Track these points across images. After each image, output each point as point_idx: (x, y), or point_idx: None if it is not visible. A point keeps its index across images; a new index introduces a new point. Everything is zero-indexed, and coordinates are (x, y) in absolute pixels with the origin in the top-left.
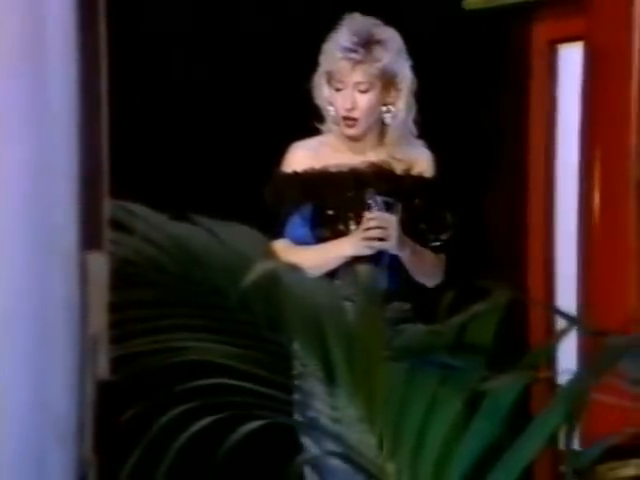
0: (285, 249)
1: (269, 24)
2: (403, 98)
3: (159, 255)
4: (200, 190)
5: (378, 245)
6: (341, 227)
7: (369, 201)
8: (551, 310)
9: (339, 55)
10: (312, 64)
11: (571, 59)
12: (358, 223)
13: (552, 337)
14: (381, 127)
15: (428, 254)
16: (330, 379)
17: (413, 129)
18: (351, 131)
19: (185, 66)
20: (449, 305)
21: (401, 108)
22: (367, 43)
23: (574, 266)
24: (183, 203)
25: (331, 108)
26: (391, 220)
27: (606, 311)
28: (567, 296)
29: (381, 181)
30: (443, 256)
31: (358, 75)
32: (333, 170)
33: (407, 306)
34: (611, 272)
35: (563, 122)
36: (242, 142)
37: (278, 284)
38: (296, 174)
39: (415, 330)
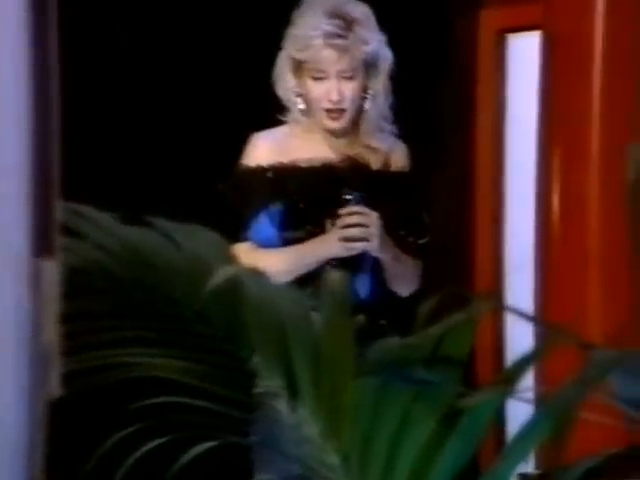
0: (249, 253)
1: (224, 8)
2: (383, 81)
3: (110, 262)
4: (154, 189)
5: (359, 246)
6: (315, 228)
7: (346, 198)
8: (533, 321)
9: (320, 42)
10: (271, 49)
11: (523, 49)
12: (334, 224)
13: (532, 351)
14: (357, 114)
15: (408, 260)
16: (293, 395)
17: (388, 116)
18: (335, 124)
19: (138, 56)
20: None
21: (379, 92)
22: (349, 24)
23: (527, 272)
24: (136, 203)
25: (299, 99)
26: (373, 217)
27: (565, 314)
28: (518, 303)
29: (357, 177)
30: (420, 262)
31: (343, 63)
32: (304, 165)
33: (383, 319)
34: (571, 278)
35: (515, 118)
36: (197, 134)
37: (239, 292)
38: (262, 169)
39: (387, 342)
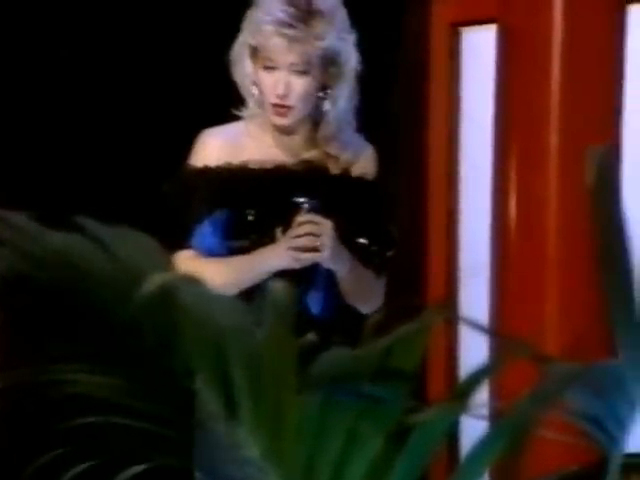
0: (192, 262)
1: None
2: (345, 81)
3: (32, 269)
4: (85, 189)
5: (309, 257)
6: (263, 237)
7: (299, 204)
8: (488, 333)
9: (270, 29)
10: (229, 32)
11: (478, 44)
12: (285, 229)
13: (486, 364)
14: (316, 116)
15: (368, 274)
16: (232, 413)
17: (353, 120)
18: (282, 121)
19: (68, 38)
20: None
21: (342, 94)
22: (306, 15)
23: (482, 280)
24: (64, 205)
25: (254, 88)
26: (326, 225)
27: (521, 324)
28: (473, 313)
29: (313, 182)
30: (384, 278)
31: (294, 55)
32: (255, 167)
33: (338, 336)
34: (528, 286)
35: (470, 117)
36: (136, 127)
37: (174, 301)
38: (208, 170)
39: (333, 356)
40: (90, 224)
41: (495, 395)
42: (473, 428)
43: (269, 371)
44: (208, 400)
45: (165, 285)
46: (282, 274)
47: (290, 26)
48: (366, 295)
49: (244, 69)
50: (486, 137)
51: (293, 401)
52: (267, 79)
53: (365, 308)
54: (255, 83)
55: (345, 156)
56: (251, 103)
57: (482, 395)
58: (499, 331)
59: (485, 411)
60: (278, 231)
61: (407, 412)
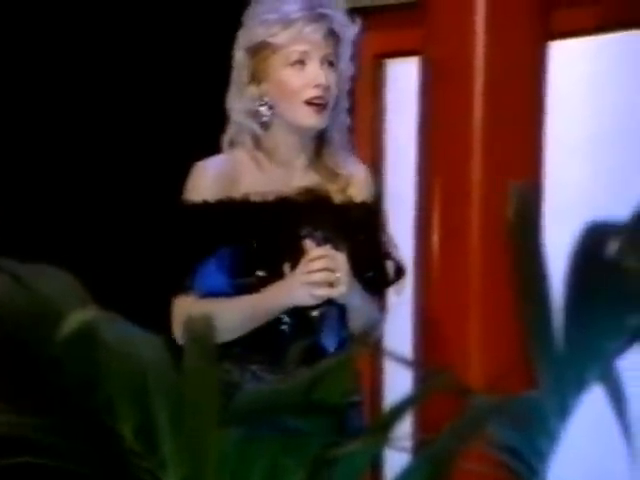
0: (194, 307)
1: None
2: (346, 90)
3: None
4: (72, 241)
5: (326, 293)
6: (271, 273)
7: (307, 238)
8: (411, 365)
9: (299, 16)
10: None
11: (403, 76)
12: (293, 266)
13: (409, 396)
14: (322, 130)
15: (374, 305)
16: (153, 447)
17: (347, 132)
18: (319, 120)
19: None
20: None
21: (344, 98)
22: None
23: (406, 310)
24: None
25: (264, 109)
26: (341, 259)
27: (445, 356)
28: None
29: (318, 212)
30: (385, 312)
31: (328, 44)
32: (257, 199)
33: None
34: (452, 318)
35: (394, 148)
36: (122, 160)
37: (95, 338)
38: (208, 205)
39: (255, 389)
40: (8, 263)
41: (418, 427)
42: (397, 460)
43: (190, 405)
44: (129, 436)
45: (85, 322)
46: (295, 312)
47: (320, 6)
48: (371, 328)
49: (248, 96)
50: (410, 169)
51: (215, 435)
52: (296, 77)
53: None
54: (262, 103)
55: (345, 176)
56: (249, 132)
57: (405, 427)
58: (422, 363)
59: (408, 443)
60: (286, 266)
61: (330, 445)
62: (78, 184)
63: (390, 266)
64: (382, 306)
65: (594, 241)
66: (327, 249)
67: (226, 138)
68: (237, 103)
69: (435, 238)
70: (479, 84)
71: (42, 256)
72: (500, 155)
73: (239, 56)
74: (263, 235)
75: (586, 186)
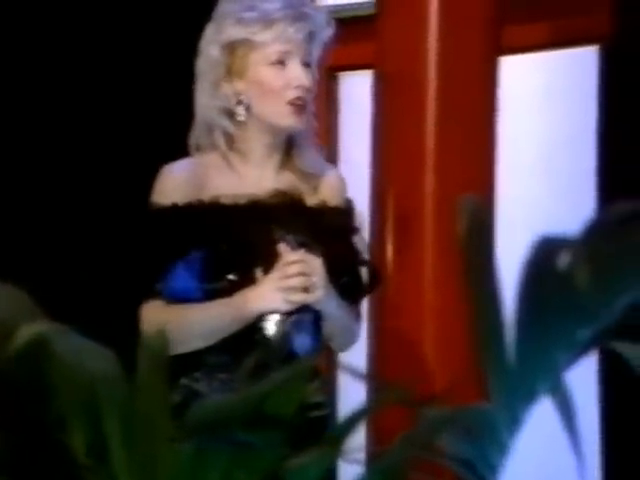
0: (163, 312)
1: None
2: (314, 89)
3: None
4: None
5: (301, 298)
6: (242, 278)
7: (280, 243)
8: (364, 378)
9: (281, 15)
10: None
11: (356, 89)
12: (265, 271)
13: (361, 409)
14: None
15: (350, 313)
16: (104, 462)
17: (315, 132)
18: (298, 120)
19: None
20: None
21: (312, 104)
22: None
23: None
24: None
25: (240, 108)
26: (316, 264)
27: (399, 369)
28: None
29: (291, 215)
30: (360, 319)
31: (307, 43)
32: (227, 202)
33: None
34: (406, 331)
35: (347, 162)
36: (90, 163)
37: (45, 352)
38: (178, 208)
39: (207, 403)
40: None
41: (372, 439)
42: (350, 472)
43: (142, 419)
44: (80, 450)
45: (36, 336)
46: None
47: (302, 14)
48: (346, 334)
49: (222, 93)
50: (364, 182)
51: (166, 450)
52: (277, 76)
53: (343, 348)
54: (241, 101)
55: (316, 176)
56: (221, 131)
57: (358, 439)
58: (376, 376)
59: (361, 455)
60: (258, 271)
61: (282, 458)
62: (46, 187)
63: (365, 272)
64: (357, 314)
65: (545, 254)
66: (302, 253)
67: (194, 138)
68: (210, 101)
69: (389, 251)
70: (431, 98)
71: (6, 264)
72: (453, 168)
73: (214, 53)
74: (234, 238)
75: (539, 199)
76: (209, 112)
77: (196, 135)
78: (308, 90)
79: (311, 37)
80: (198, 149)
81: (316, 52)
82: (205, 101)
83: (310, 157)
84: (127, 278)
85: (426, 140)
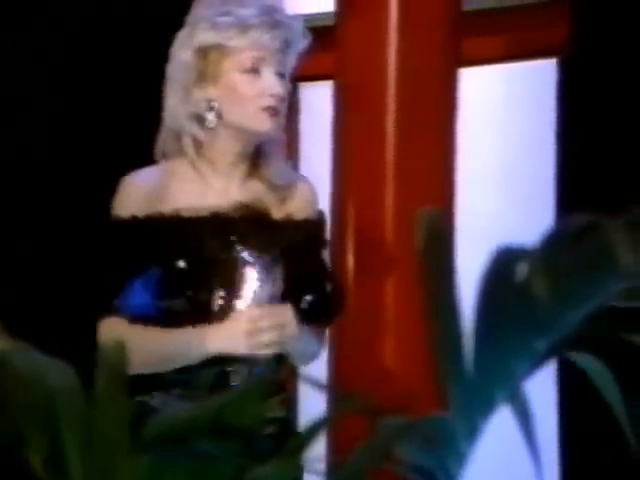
0: (122, 330)
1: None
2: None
3: None
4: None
5: (269, 350)
6: (200, 297)
7: (246, 266)
8: (323, 388)
9: (256, 22)
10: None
11: (316, 100)
12: (227, 289)
13: (320, 419)
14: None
15: (313, 333)
16: (61, 478)
17: (284, 142)
18: (272, 125)
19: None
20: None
21: (283, 116)
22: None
23: None
24: None
25: (211, 115)
26: (289, 314)
27: (358, 379)
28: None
29: (254, 230)
30: (324, 339)
31: (282, 53)
32: (188, 215)
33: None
34: (365, 342)
35: (308, 172)
36: (51, 173)
37: (3, 367)
38: (136, 221)
39: (166, 415)
40: None
41: (331, 449)
42: None
43: (100, 434)
44: (38, 465)
45: None
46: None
47: (278, 22)
48: (309, 357)
49: (193, 97)
50: (324, 192)
51: (125, 462)
52: (250, 84)
53: (304, 365)
54: (212, 107)
55: (283, 187)
56: (189, 139)
57: (318, 449)
58: (335, 386)
59: (321, 466)
60: (217, 291)
61: (242, 470)
62: (4, 197)
63: (330, 289)
64: (322, 334)
65: (503, 265)
66: (276, 306)
67: (160, 144)
68: (180, 106)
69: (349, 264)
70: (391, 110)
71: None
72: (413, 180)
73: (186, 57)
74: (193, 254)
75: (498, 210)
76: (178, 117)
77: (163, 141)
78: (282, 99)
79: (286, 46)
80: (164, 155)
81: (290, 62)
82: (175, 106)
83: (279, 167)
84: (86, 292)
85: (386, 151)
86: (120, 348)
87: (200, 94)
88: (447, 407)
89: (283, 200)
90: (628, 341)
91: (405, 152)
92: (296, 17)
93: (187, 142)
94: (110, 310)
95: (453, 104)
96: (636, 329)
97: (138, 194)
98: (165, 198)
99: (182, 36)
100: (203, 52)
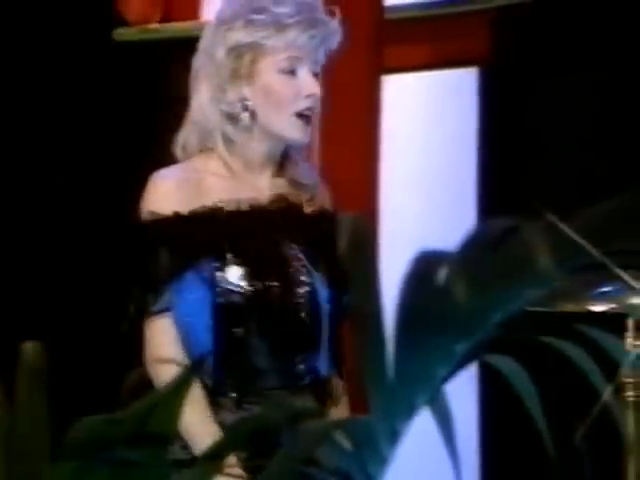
0: (169, 339)
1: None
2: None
3: None
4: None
5: None
6: (257, 288)
7: (290, 252)
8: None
9: (294, 21)
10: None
11: None
12: (279, 280)
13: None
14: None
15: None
16: None
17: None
18: (305, 133)
19: None
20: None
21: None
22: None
23: None
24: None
25: (245, 115)
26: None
27: None
28: None
29: (293, 223)
30: None
31: (321, 51)
32: (231, 208)
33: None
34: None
35: None
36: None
37: None
38: (181, 217)
39: (86, 421)
40: None
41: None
42: None
43: (20, 439)
44: None
45: None
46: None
47: (316, 20)
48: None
49: (228, 97)
50: None
51: (46, 469)
52: (287, 85)
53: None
54: (246, 107)
55: (309, 186)
56: (221, 137)
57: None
58: None
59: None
60: (271, 280)
61: (165, 476)
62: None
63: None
64: None
65: (424, 269)
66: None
67: (182, 140)
68: (212, 105)
69: None
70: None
71: None
72: (336, 184)
73: (219, 55)
74: (244, 247)
75: (419, 214)
76: (209, 115)
77: (186, 135)
78: (318, 100)
79: (322, 44)
80: (184, 150)
81: (323, 60)
82: (205, 104)
83: (305, 168)
84: (125, 297)
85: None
86: (38, 349)
87: (234, 94)
88: (369, 410)
89: (310, 200)
90: (545, 343)
91: (329, 158)
92: (332, 14)
93: (218, 139)
94: (157, 311)
95: (376, 110)
96: (553, 332)
97: (173, 190)
98: (202, 194)
99: (213, 32)
100: (237, 51)
